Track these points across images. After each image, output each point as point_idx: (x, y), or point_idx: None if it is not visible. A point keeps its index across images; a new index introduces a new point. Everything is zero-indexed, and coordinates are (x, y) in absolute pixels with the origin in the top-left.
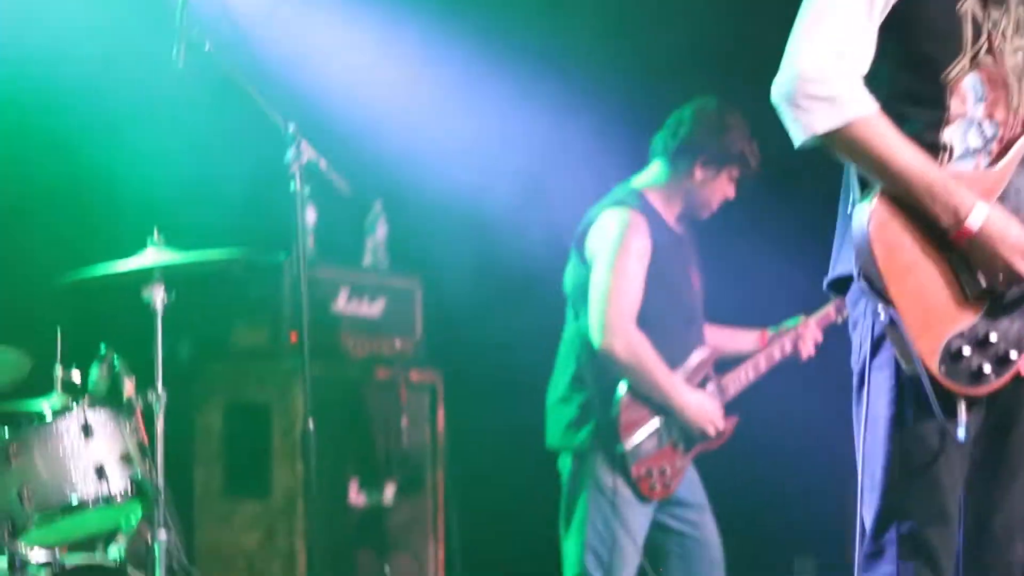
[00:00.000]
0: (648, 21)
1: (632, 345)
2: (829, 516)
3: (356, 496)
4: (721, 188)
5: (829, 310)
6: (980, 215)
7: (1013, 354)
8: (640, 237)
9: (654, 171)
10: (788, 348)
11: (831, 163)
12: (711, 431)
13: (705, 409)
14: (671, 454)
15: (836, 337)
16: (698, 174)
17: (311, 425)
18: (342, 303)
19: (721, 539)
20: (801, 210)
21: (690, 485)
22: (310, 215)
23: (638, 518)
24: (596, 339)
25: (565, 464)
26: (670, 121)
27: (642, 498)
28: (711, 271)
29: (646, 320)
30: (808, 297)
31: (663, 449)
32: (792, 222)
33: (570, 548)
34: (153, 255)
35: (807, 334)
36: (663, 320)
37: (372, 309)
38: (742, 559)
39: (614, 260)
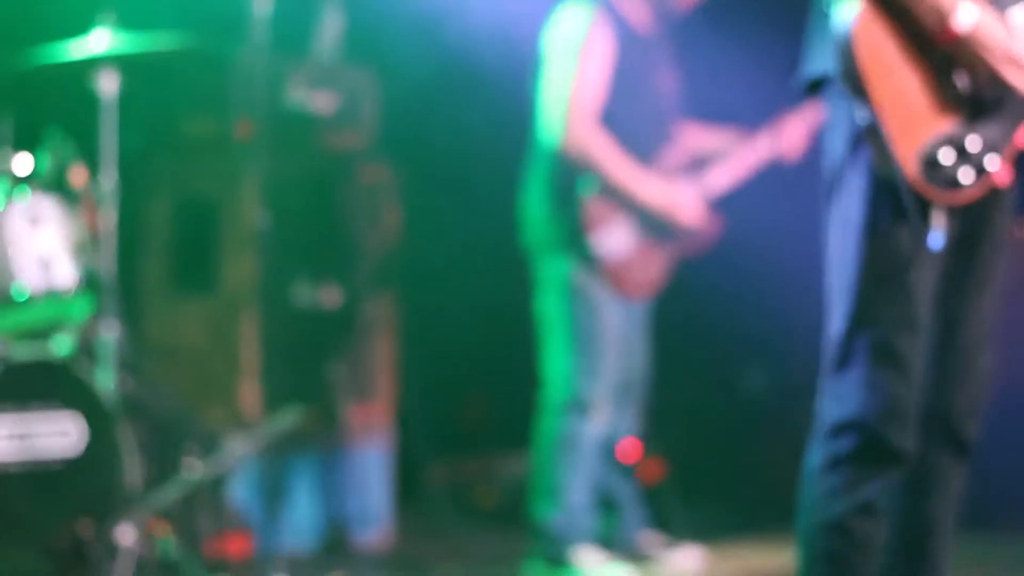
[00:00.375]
0: None
1: (590, 143)
2: (777, 328)
3: (306, 293)
4: None
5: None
6: (966, 16)
7: (990, 163)
8: (601, 35)
9: None
10: (770, 149)
11: None
12: (684, 219)
13: (673, 198)
14: (648, 253)
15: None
16: None
17: (263, 219)
18: (294, 94)
19: (671, 353)
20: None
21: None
22: (264, 2)
23: (614, 319)
24: (556, 137)
25: (540, 266)
26: None
27: (619, 297)
28: (690, 72)
29: (610, 120)
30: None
31: (640, 248)
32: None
33: (550, 351)
34: (103, 38)
35: (792, 132)
36: (627, 118)
37: (325, 102)
38: (691, 373)
39: (574, 60)
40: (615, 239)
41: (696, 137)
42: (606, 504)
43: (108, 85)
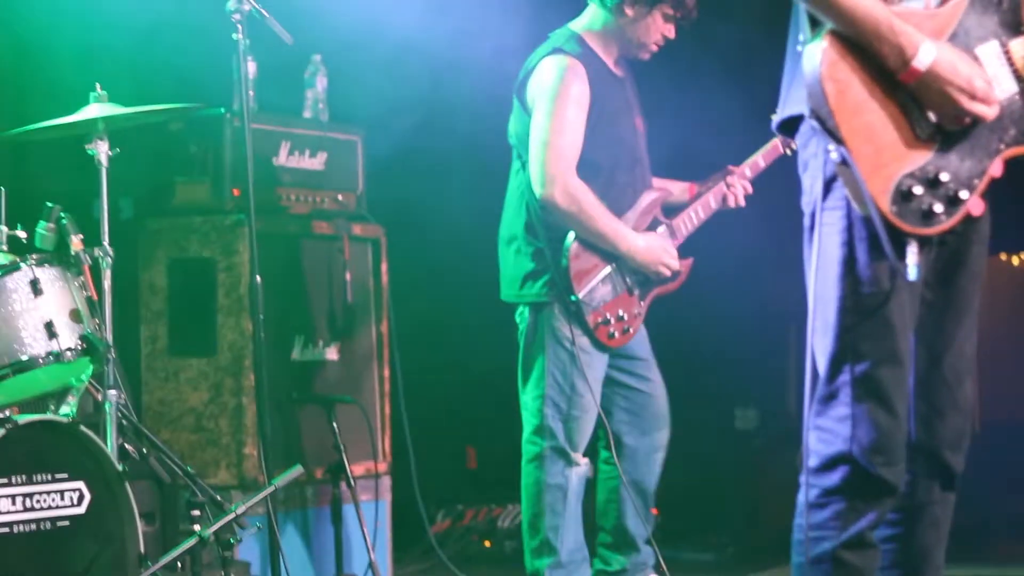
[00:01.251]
0: None
1: (572, 193)
2: (770, 367)
3: (301, 352)
4: (656, 27)
5: (758, 156)
6: (927, 55)
7: (963, 194)
8: (578, 83)
9: (590, 13)
10: (720, 197)
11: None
12: (664, 272)
13: (654, 250)
14: (627, 300)
15: (773, 183)
16: (629, 12)
17: (258, 280)
18: (284, 157)
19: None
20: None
21: (639, 339)
22: (250, 68)
23: (596, 367)
24: (537, 189)
25: (522, 317)
26: None
27: (601, 346)
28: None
29: (590, 166)
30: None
31: (619, 296)
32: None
33: (528, 400)
34: (96, 110)
35: (735, 183)
36: (607, 165)
37: (313, 163)
38: (684, 410)
39: (553, 108)
40: (596, 289)
41: (661, 186)
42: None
43: (102, 151)
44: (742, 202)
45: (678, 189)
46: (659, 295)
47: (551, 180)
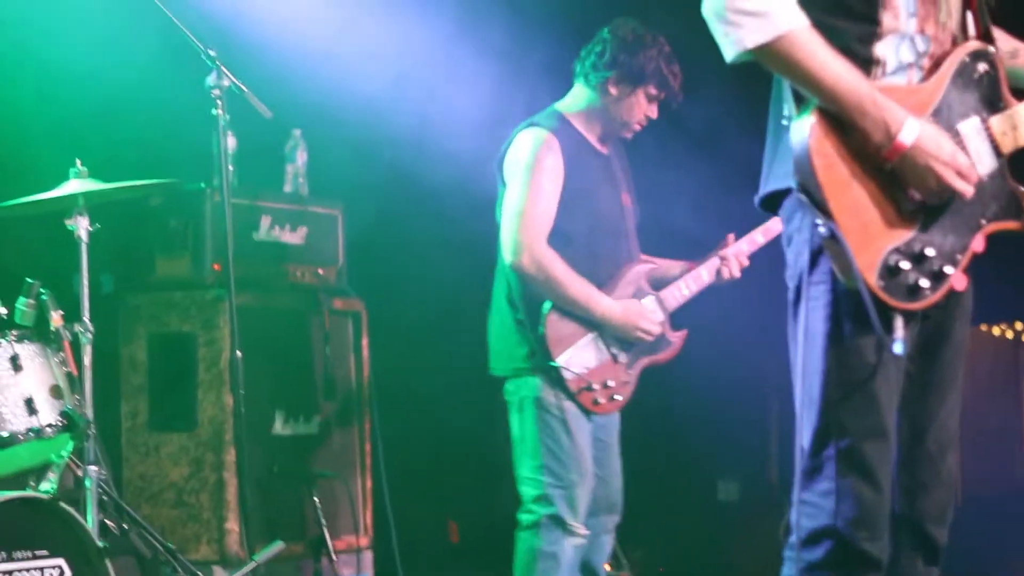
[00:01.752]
0: None
1: (539, 261)
2: (751, 438)
3: (282, 426)
4: (640, 107)
5: (758, 232)
6: (911, 131)
7: (948, 269)
8: (551, 156)
9: (574, 93)
10: (713, 271)
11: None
12: (644, 336)
13: (631, 315)
14: (612, 367)
15: (754, 255)
16: (612, 90)
17: (239, 355)
18: (264, 231)
19: (646, 464)
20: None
21: (606, 421)
22: (230, 143)
23: (585, 433)
24: (507, 257)
25: (510, 389)
26: (591, 42)
27: (587, 412)
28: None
29: (566, 237)
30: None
31: (603, 363)
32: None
33: (526, 471)
34: (76, 186)
35: (730, 256)
36: (584, 236)
37: (294, 237)
38: (666, 482)
39: (526, 179)
40: (577, 355)
41: (649, 260)
42: None
43: (82, 226)
44: (737, 274)
45: (672, 266)
46: (651, 365)
47: (519, 248)
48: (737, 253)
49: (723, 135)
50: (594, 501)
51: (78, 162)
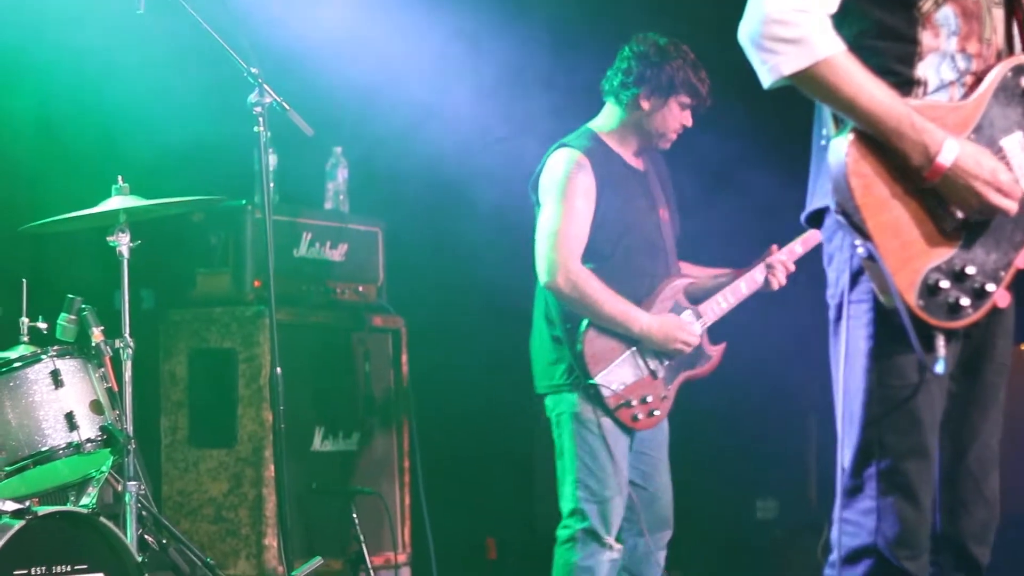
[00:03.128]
0: None
1: (574, 280)
2: (791, 458)
3: (321, 442)
4: (674, 116)
5: (797, 243)
6: (951, 151)
7: (990, 287)
8: (584, 175)
9: (606, 112)
10: (759, 279)
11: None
12: (683, 348)
13: (669, 329)
14: (650, 383)
15: (796, 277)
16: (644, 105)
17: (278, 371)
18: (304, 248)
19: (685, 482)
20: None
21: (654, 436)
22: (271, 160)
23: (622, 449)
24: (542, 277)
25: (550, 406)
26: (615, 60)
27: (625, 428)
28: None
29: (602, 255)
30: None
31: (641, 379)
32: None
33: (564, 485)
34: (118, 202)
35: (776, 264)
36: (620, 253)
37: (334, 254)
38: (705, 502)
39: (559, 199)
40: (615, 372)
41: (689, 272)
42: None
43: (123, 243)
44: (784, 281)
45: (711, 276)
46: (689, 379)
47: (554, 267)
48: (782, 261)
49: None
50: (648, 518)
51: (120, 179)
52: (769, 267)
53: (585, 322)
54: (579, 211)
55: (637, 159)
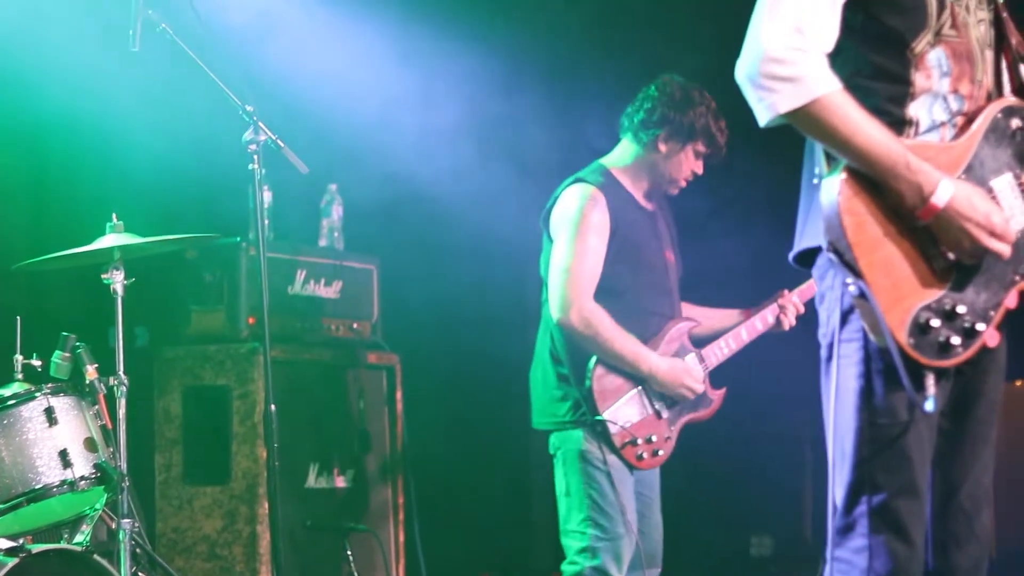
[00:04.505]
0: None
1: (587, 317)
2: (785, 494)
3: (316, 479)
4: (688, 163)
5: (810, 283)
6: (945, 192)
7: (980, 326)
8: (598, 212)
9: (621, 148)
10: (770, 320)
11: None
12: (687, 394)
13: (676, 372)
14: (655, 423)
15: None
16: (662, 148)
17: (273, 409)
18: (299, 285)
19: (680, 518)
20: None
21: (648, 475)
22: (266, 197)
23: (628, 487)
24: (555, 313)
25: (554, 443)
26: (637, 97)
27: (630, 467)
28: (692, 256)
29: (613, 292)
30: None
31: (646, 418)
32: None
33: (571, 524)
34: (112, 240)
35: (788, 305)
36: (632, 291)
37: (329, 291)
38: (700, 538)
39: (572, 235)
40: (622, 410)
41: (695, 314)
42: None
43: (118, 280)
44: (794, 322)
45: (723, 316)
46: (691, 422)
47: (567, 304)
48: (794, 303)
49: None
50: (636, 556)
51: (114, 216)
52: (782, 308)
53: (593, 359)
54: (592, 248)
55: (647, 200)
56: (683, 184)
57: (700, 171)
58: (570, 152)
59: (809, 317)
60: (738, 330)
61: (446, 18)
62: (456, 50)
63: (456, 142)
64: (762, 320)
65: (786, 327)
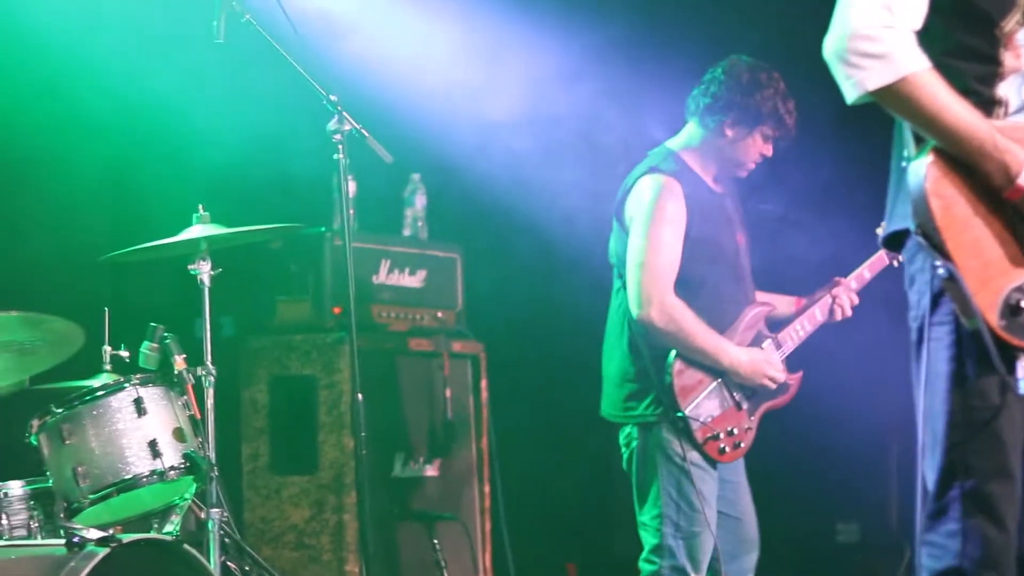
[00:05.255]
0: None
1: (669, 313)
2: (872, 481)
3: (402, 469)
4: (756, 146)
5: (864, 268)
6: None
7: None
8: (674, 202)
9: (688, 132)
10: (826, 310)
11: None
12: (770, 384)
13: (758, 364)
14: (736, 414)
15: (877, 297)
16: (729, 132)
17: (359, 398)
18: (383, 275)
19: (765, 505)
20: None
21: (733, 462)
22: (351, 187)
23: (709, 483)
24: (634, 309)
25: (630, 436)
26: (703, 79)
27: (712, 462)
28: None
29: (692, 283)
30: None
31: (727, 410)
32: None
33: (646, 519)
34: (199, 230)
35: (843, 292)
36: (710, 281)
37: (413, 280)
38: (785, 525)
39: (648, 228)
40: (703, 404)
41: (764, 299)
42: None
43: (204, 271)
44: (849, 312)
45: (783, 303)
46: (770, 409)
47: (648, 300)
48: (848, 291)
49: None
50: (734, 543)
51: (200, 207)
52: (835, 297)
53: (673, 353)
54: (670, 239)
55: (716, 182)
56: (751, 167)
57: (769, 153)
58: (640, 135)
59: (895, 300)
60: (812, 311)
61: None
62: (550, 34)
63: (542, 127)
64: (824, 305)
65: (838, 317)
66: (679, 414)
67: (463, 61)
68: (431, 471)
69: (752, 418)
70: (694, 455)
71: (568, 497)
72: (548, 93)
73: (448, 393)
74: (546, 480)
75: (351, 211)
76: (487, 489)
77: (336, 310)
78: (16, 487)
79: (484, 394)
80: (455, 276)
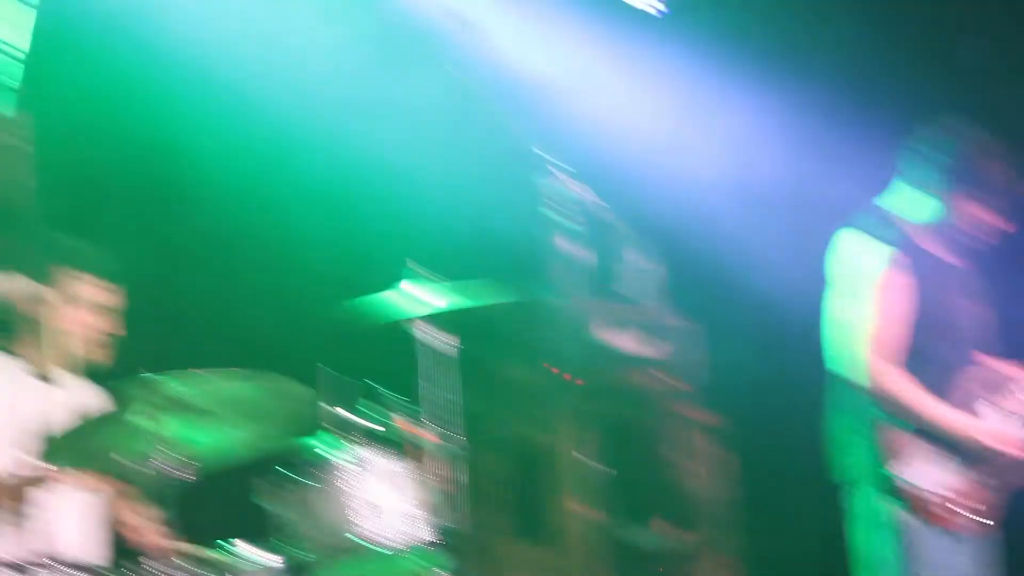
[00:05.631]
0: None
1: (898, 387)
2: None
3: (638, 535)
4: (984, 217)
5: None
6: None
7: None
8: (902, 275)
9: (909, 198)
10: None
11: None
12: (997, 448)
13: (981, 429)
14: (969, 484)
15: None
16: (955, 204)
17: (593, 464)
18: (616, 339)
19: None
20: None
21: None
22: (583, 250)
23: (940, 552)
24: (861, 379)
25: (854, 499)
26: (924, 145)
27: (942, 530)
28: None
29: (923, 357)
30: None
31: (959, 478)
32: None
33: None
34: (413, 289)
35: None
36: (937, 354)
37: (653, 348)
38: None
39: (874, 297)
40: (926, 471)
41: (988, 363)
42: None
43: (434, 338)
44: None
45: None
46: (1012, 483)
47: (875, 373)
48: None
49: None
50: None
51: (411, 263)
52: None
53: (901, 422)
54: (898, 313)
55: (946, 251)
56: (982, 238)
57: (1000, 224)
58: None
59: None
60: None
61: (766, 59)
62: (779, 97)
63: (775, 194)
64: None
65: None
66: (896, 479)
67: (690, 120)
68: (670, 538)
69: (991, 491)
70: (918, 522)
71: (818, 564)
72: (783, 153)
73: (684, 463)
74: (793, 550)
75: (577, 272)
76: (729, 559)
77: (567, 376)
78: None
79: (720, 464)
80: (695, 345)
